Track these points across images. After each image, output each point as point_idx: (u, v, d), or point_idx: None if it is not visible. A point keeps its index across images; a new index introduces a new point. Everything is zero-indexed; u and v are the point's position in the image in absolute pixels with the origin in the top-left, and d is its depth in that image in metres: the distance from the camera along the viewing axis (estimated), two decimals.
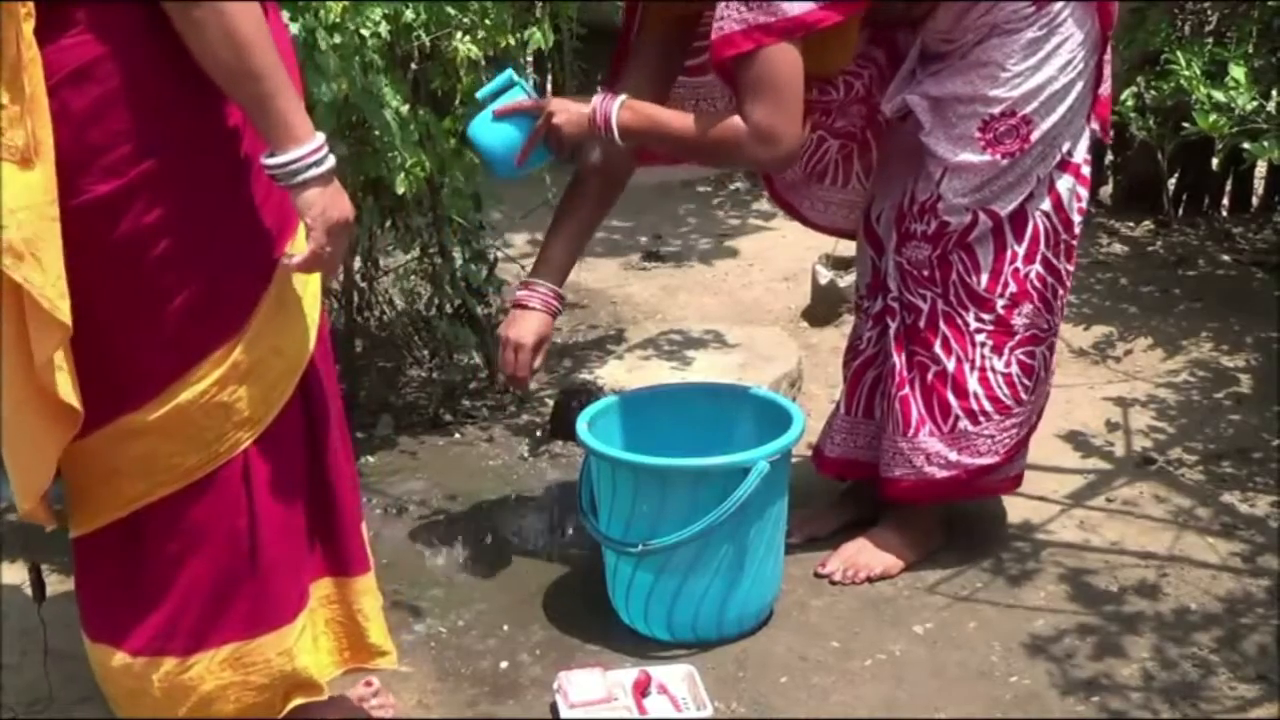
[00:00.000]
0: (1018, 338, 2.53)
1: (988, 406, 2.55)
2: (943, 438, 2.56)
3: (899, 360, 2.55)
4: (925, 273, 2.50)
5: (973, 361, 2.53)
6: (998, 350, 2.53)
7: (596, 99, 2.36)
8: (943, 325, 2.51)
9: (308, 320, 1.88)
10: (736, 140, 2.29)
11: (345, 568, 2.01)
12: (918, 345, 2.53)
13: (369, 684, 2.23)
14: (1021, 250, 2.49)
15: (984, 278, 2.50)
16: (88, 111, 1.64)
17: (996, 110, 2.39)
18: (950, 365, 2.53)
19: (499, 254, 3.68)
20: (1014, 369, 2.55)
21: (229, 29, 1.61)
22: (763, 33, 2.22)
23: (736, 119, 2.29)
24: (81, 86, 1.63)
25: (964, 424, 2.56)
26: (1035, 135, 2.42)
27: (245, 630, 1.89)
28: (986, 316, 2.51)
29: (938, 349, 2.52)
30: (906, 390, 2.55)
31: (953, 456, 2.58)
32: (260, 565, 1.88)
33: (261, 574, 1.88)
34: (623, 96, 2.36)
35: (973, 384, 2.54)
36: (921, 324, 2.52)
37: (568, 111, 2.36)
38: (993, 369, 2.54)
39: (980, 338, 2.52)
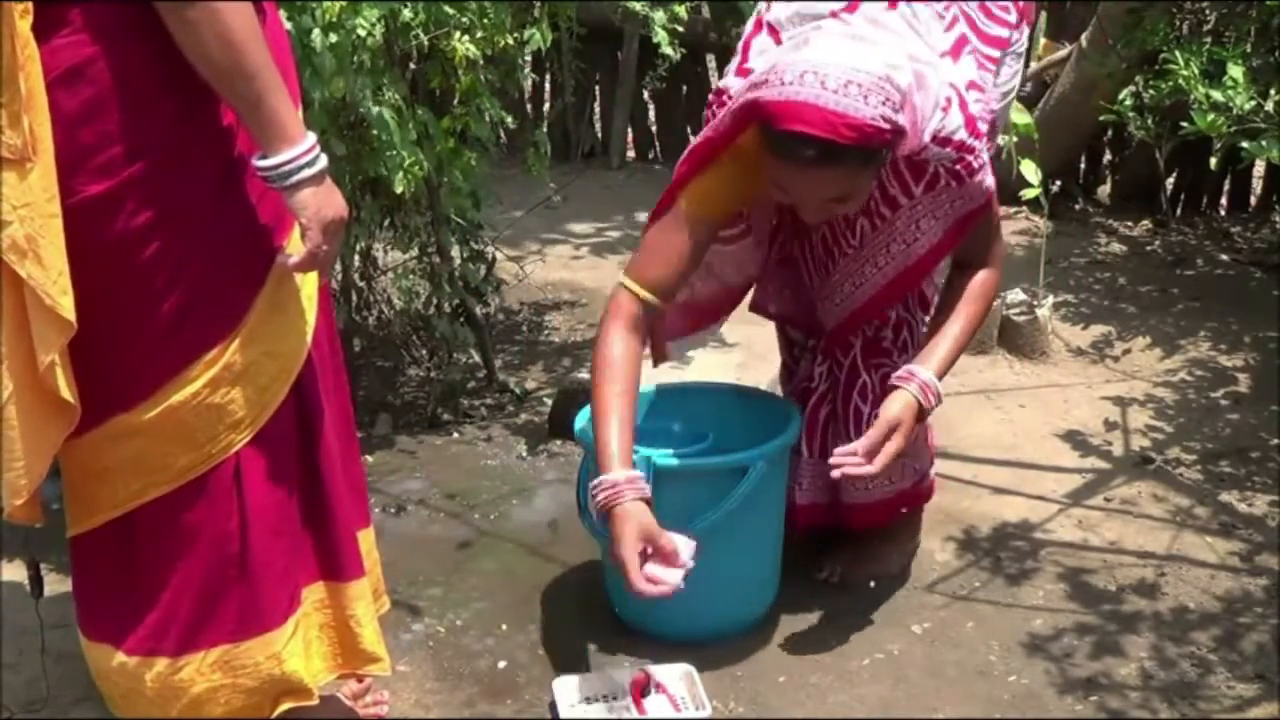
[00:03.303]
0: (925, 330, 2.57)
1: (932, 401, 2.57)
2: (912, 445, 2.53)
3: (869, 378, 2.48)
4: None
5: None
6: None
7: (904, 393, 2.24)
8: (904, 332, 2.50)
9: (303, 323, 1.88)
10: (998, 285, 2.40)
11: (338, 573, 2.00)
12: (883, 356, 2.48)
13: (360, 680, 2.23)
14: None
15: (932, 277, 2.50)
16: (79, 112, 1.64)
17: (989, 116, 2.41)
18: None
19: (497, 253, 3.69)
20: None
21: (222, 29, 1.61)
22: (978, 213, 2.28)
23: (988, 276, 2.35)
24: (74, 87, 1.63)
25: (921, 428, 2.54)
26: (999, 130, 2.51)
27: (234, 633, 1.89)
28: (923, 315, 2.53)
29: (901, 357, 2.47)
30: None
31: (921, 465, 2.59)
32: (250, 568, 1.88)
33: (251, 577, 1.88)
34: (918, 373, 2.25)
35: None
36: (888, 334, 2.49)
37: (906, 431, 2.24)
38: None
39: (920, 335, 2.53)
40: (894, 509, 2.60)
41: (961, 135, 2.17)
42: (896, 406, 2.23)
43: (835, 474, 2.18)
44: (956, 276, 2.37)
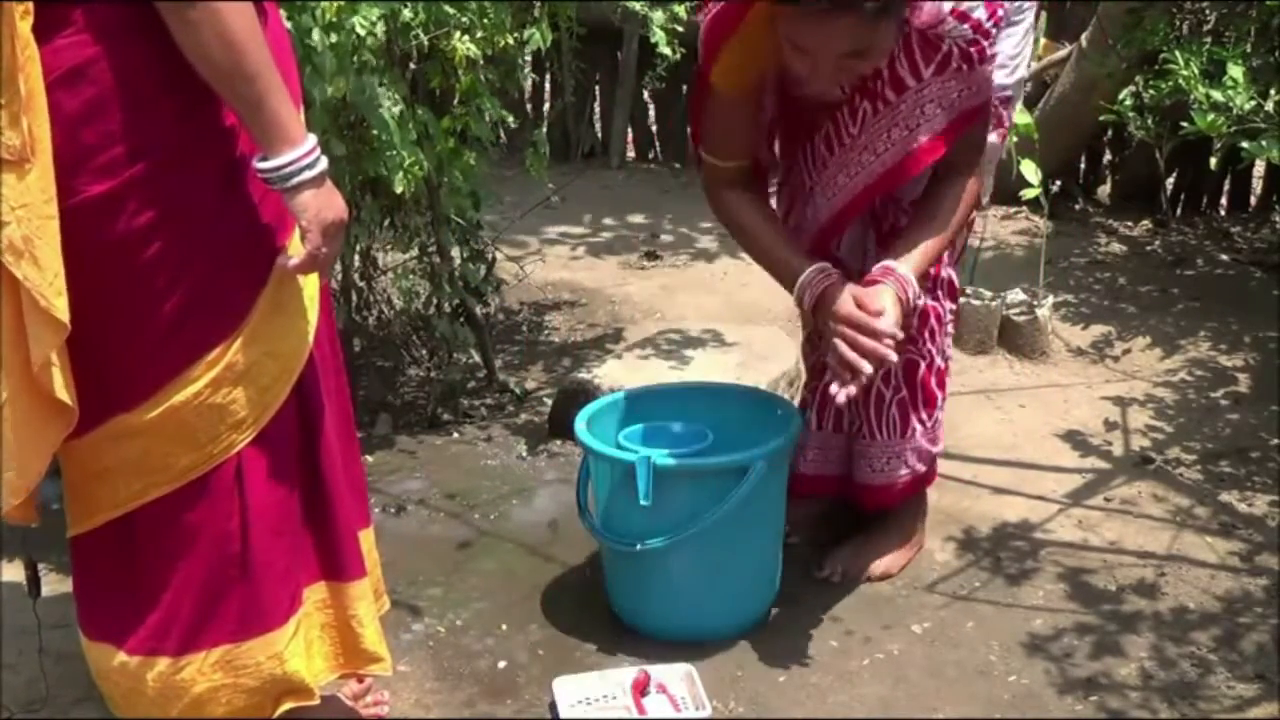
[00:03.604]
0: (954, 315, 2.59)
1: (946, 391, 2.61)
2: (926, 432, 2.58)
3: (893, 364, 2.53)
4: None
5: (943, 350, 2.56)
6: (948, 334, 2.58)
7: (887, 287, 2.22)
8: (932, 320, 2.51)
9: (305, 323, 1.88)
10: (979, 194, 2.39)
11: (339, 573, 2.00)
12: (908, 343, 2.51)
13: (360, 680, 2.23)
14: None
15: (955, 267, 2.53)
16: (81, 112, 1.64)
17: (1002, 96, 2.41)
18: (938, 359, 2.54)
19: (497, 253, 3.69)
20: (951, 349, 2.62)
21: (223, 30, 1.61)
22: (978, 111, 2.26)
23: (971, 184, 2.33)
24: (76, 87, 1.63)
25: (938, 413, 2.59)
26: (1011, 118, 2.49)
27: (236, 633, 1.89)
28: (951, 304, 2.55)
29: (927, 345, 2.52)
30: (904, 393, 2.54)
31: (935, 449, 2.63)
32: (251, 568, 1.88)
33: (252, 577, 1.88)
34: (896, 269, 2.24)
35: (948, 372, 2.59)
36: (914, 322, 2.50)
37: (893, 325, 2.20)
38: (948, 355, 2.60)
39: (949, 327, 2.57)
40: (906, 492, 2.63)
41: (980, 15, 2.17)
42: (888, 302, 2.21)
43: (841, 398, 2.18)
44: (940, 183, 2.35)
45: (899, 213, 2.43)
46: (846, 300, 2.20)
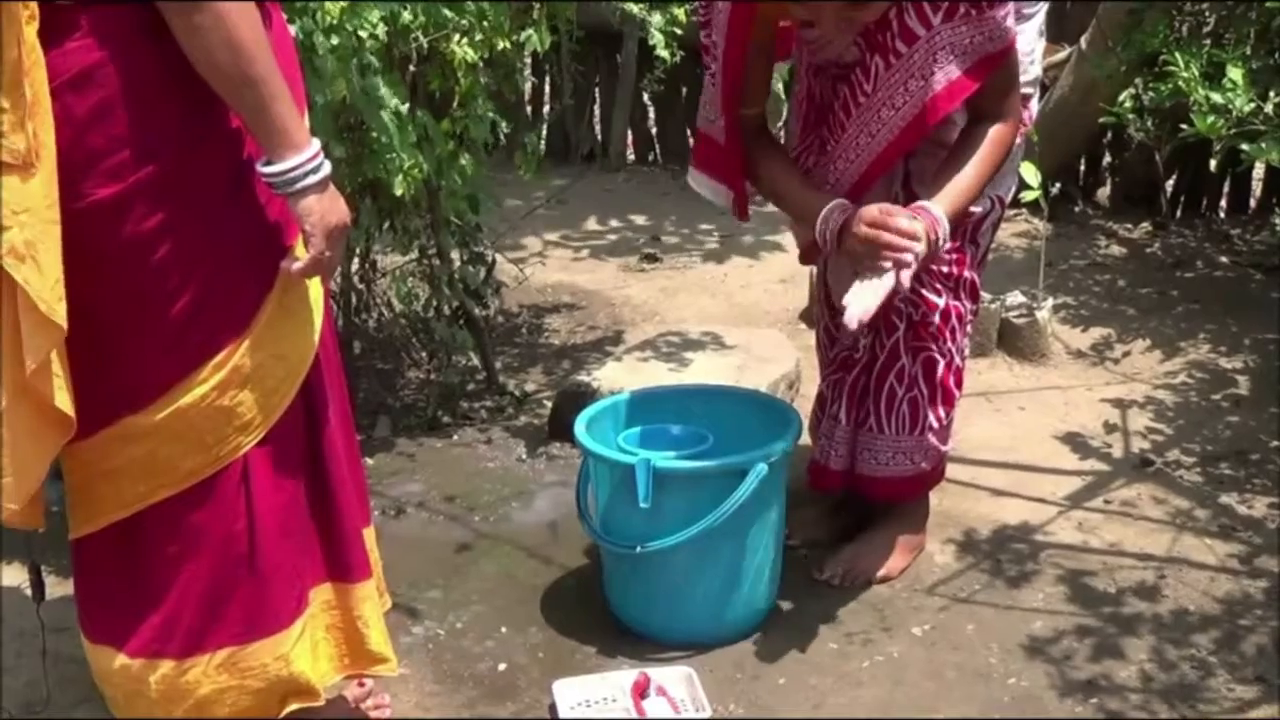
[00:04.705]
0: (972, 319, 2.60)
1: (963, 390, 2.62)
2: (939, 431, 2.58)
3: (907, 361, 2.53)
4: (944, 269, 2.48)
5: (962, 350, 2.57)
6: (967, 334, 2.59)
7: (916, 222, 2.19)
8: (953, 319, 2.51)
9: (311, 326, 1.88)
10: (1014, 136, 2.36)
11: (346, 573, 2.00)
12: (929, 341, 2.52)
13: (362, 684, 2.23)
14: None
15: (977, 269, 2.53)
16: (89, 116, 1.64)
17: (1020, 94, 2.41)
18: (957, 359, 2.55)
19: (497, 256, 3.69)
20: (968, 350, 2.64)
21: (229, 35, 1.61)
22: (998, 58, 2.25)
23: (1003, 127, 2.31)
24: (83, 91, 1.63)
25: (953, 412, 2.60)
26: (1032, 115, 2.48)
27: (241, 634, 1.89)
28: (972, 305, 2.55)
29: (947, 343, 2.52)
30: (916, 391, 2.54)
31: (945, 448, 2.64)
32: (257, 570, 1.88)
33: (258, 578, 1.88)
34: (929, 207, 2.23)
35: (963, 372, 2.60)
36: (935, 320, 2.50)
37: (915, 252, 2.18)
38: (965, 354, 2.60)
39: (969, 328, 2.58)
40: (911, 487, 2.64)
41: None
42: (918, 228, 2.20)
43: (853, 324, 2.17)
44: (972, 127, 2.34)
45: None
46: (871, 208, 2.20)
